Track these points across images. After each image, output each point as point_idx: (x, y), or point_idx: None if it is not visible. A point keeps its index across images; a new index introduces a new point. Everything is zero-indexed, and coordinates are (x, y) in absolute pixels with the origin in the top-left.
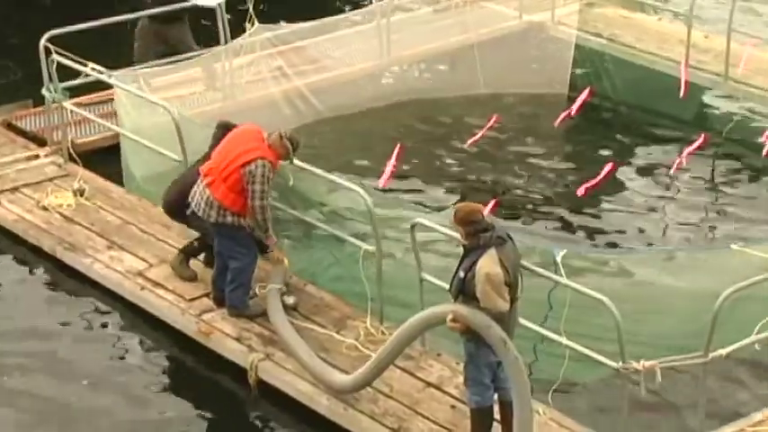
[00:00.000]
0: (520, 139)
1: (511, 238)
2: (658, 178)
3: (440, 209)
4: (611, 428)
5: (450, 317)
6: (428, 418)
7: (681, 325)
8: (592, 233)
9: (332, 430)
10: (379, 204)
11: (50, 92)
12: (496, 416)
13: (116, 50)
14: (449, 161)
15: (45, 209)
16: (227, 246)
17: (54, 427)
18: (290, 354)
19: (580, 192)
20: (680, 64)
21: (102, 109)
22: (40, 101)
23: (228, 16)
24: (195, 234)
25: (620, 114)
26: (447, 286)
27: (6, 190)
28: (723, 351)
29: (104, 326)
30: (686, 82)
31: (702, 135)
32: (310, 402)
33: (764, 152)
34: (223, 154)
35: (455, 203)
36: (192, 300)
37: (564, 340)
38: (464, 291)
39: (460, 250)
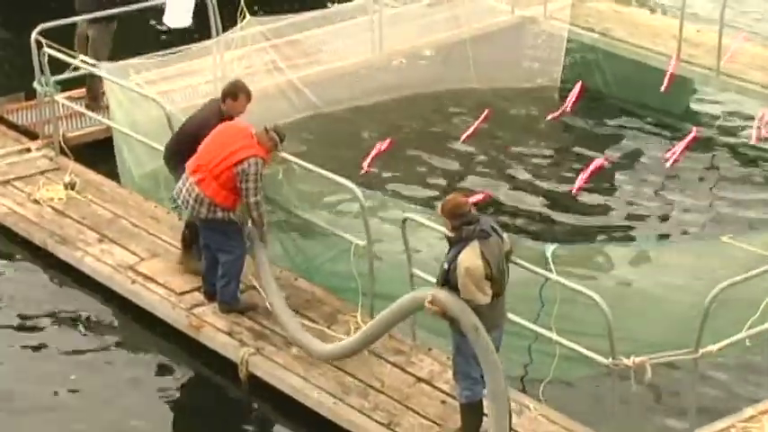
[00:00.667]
0: (511, 134)
1: (497, 232)
2: (650, 172)
3: (431, 204)
4: (602, 424)
5: (428, 299)
6: (419, 413)
7: (672, 320)
8: (582, 228)
9: (322, 425)
10: (371, 199)
11: (42, 85)
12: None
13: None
14: (441, 155)
15: (36, 202)
16: (217, 240)
17: (42, 420)
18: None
19: (573, 189)
20: (671, 58)
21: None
22: (31, 94)
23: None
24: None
25: (611, 108)
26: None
27: None
28: (714, 347)
29: (95, 320)
30: (672, 75)
31: (694, 129)
32: (301, 397)
33: (753, 138)
34: (212, 151)
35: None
36: (183, 294)
37: (554, 336)
38: (448, 282)
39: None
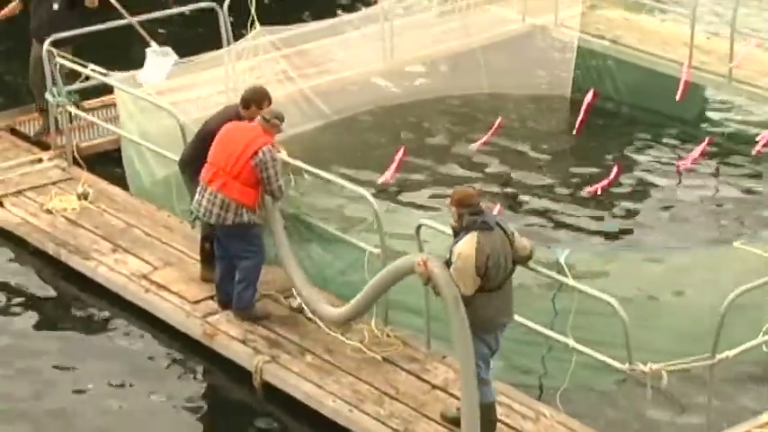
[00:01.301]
0: (523, 143)
1: (504, 229)
2: (662, 180)
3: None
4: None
5: (420, 260)
6: (434, 420)
7: (687, 327)
8: (596, 235)
9: None
10: (385, 207)
11: (54, 96)
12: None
13: (122, 54)
14: (453, 164)
15: (49, 212)
16: (238, 246)
17: (56, 428)
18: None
19: (586, 193)
20: (682, 65)
21: (106, 113)
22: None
23: (231, 19)
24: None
25: (623, 116)
26: None
27: (11, 194)
28: (730, 353)
29: (109, 329)
30: (686, 83)
31: (707, 138)
32: (315, 404)
33: (755, 149)
34: (224, 155)
35: None
36: (197, 302)
37: (570, 341)
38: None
39: None
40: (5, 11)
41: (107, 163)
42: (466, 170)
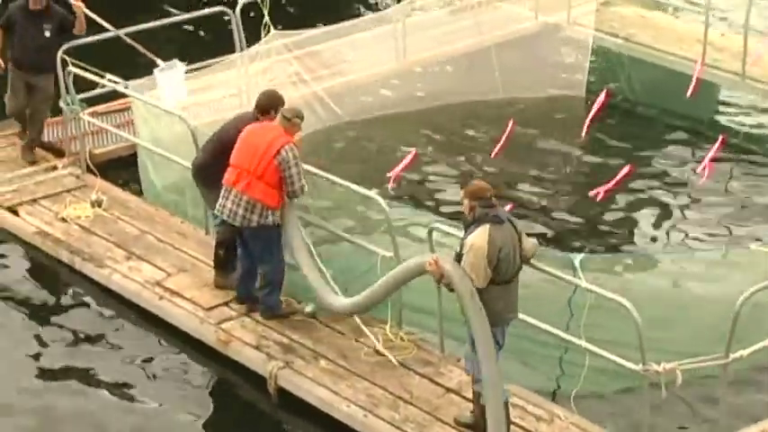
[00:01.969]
0: (537, 142)
1: (514, 225)
2: (676, 179)
3: (456, 215)
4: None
5: (432, 259)
6: (448, 424)
7: (703, 328)
8: (610, 237)
9: None
10: (396, 211)
11: (68, 104)
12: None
13: (133, 60)
14: (466, 166)
15: (63, 220)
16: (262, 248)
17: None
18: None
19: (598, 195)
20: (696, 63)
21: (119, 118)
22: (57, 111)
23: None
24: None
25: (637, 114)
26: None
27: (25, 202)
28: (744, 352)
29: (123, 335)
30: (698, 80)
31: (721, 137)
32: (330, 410)
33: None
34: (247, 156)
35: None
36: (211, 309)
37: (584, 343)
38: (460, 263)
39: None
40: None
41: (120, 169)
42: (479, 171)
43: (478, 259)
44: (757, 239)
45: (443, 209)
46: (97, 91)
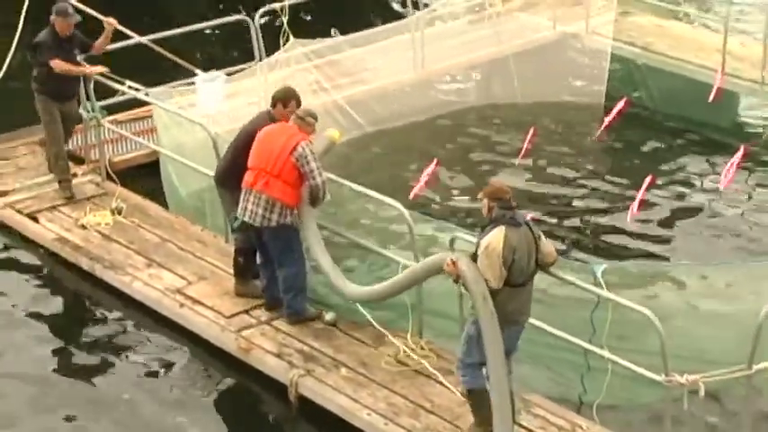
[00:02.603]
0: (558, 152)
1: (531, 229)
2: (698, 188)
3: (476, 223)
4: None
5: (450, 259)
6: None
7: (728, 341)
8: (632, 247)
9: None
10: (419, 219)
11: (88, 111)
12: None
13: (154, 68)
14: (488, 175)
15: (84, 227)
16: (281, 250)
17: None
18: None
19: (630, 218)
20: (716, 72)
21: (139, 126)
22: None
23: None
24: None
25: (657, 123)
26: None
27: (45, 209)
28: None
29: (144, 343)
30: (719, 90)
31: (743, 146)
32: (351, 418)
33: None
34: (263, 156)
35: None
36: (231, 316)
37: (606, 353)
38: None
39: None
40: None
41: (140, 176)
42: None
43: (493, 260)
44: None
45: (464, 216)
46: (118, 98)
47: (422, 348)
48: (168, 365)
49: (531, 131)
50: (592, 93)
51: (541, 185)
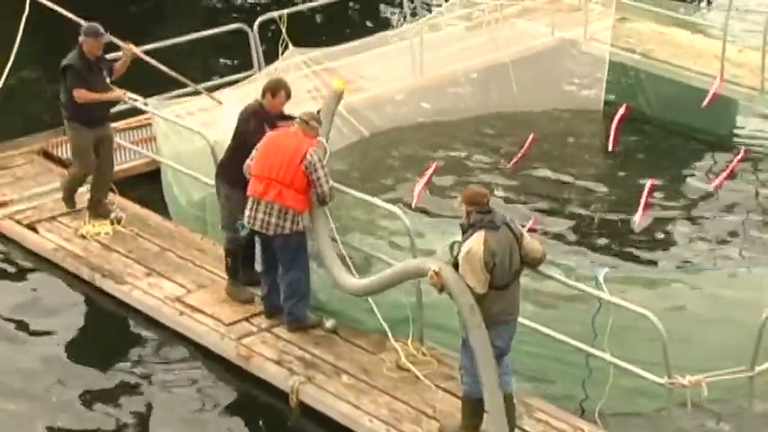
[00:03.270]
0: (556, 158)
1: (512, 229)
2: (697, 195)
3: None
4: None
5: (434, 269)
6: None
7: (730, 344)
8: (633, 251)
9: None
10: (418, 225)
11: None
12: None
13: (153, 77)
14: (487, 181)
15: (83, 237)
16: (291, 256)
17: None
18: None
19: (636, 222)
20: (715, 78)
21: (137, 135)
22: None
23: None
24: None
25: (655, 130)
26: None
27: (44, 219)
28: None
29: (144, 352)
30: (716, 95)
31: (741, 150)
32: (352, 425)
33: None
34: (272, 165)
35: None
36: (231, 324)
37: (608, 357)
38: (458, 269)
39: None
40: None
41: (139, 185)
42: (499, 186)
43: (474, 264)
44: None
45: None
46: (116, 108)
47: (423, 354)
48: (167, 374)
49: (531, 138)
50: (590, 99)
51: (540, 191)
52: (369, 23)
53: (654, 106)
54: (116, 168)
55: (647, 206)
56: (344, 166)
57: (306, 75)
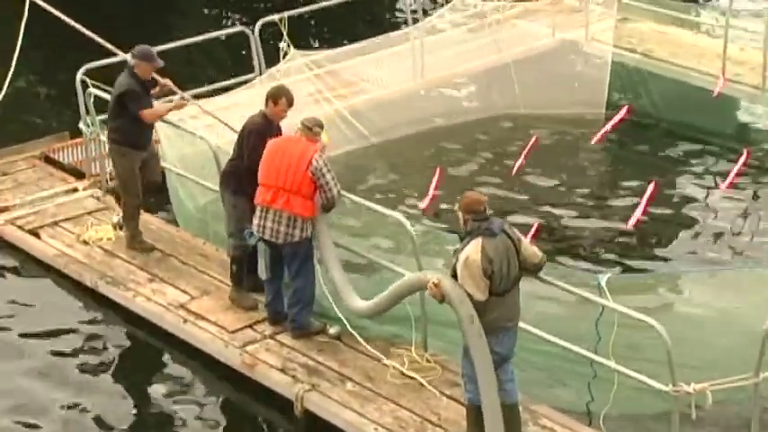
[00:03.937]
0: (560, 160)
1: (510, 236)
2: (702, 196)
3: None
4: None
5: (434, 281)
6: None
7: (734, 348)
8: (636, 256)
9: None
10: (422, 231)
11: (88, 126)
12: None
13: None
14: (490, 185)
15: (85, 243)
16: (298, 263)
17: None
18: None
19: (631, 223)
20: (717, 78)
21: None
22: (76, 131)
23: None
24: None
25: (658, 130)
26: None
27: (47, 225)
28: None
29: (147, 358)
30: (720, 95)
31: (745, 151)
32: None
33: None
34: (279, 172)
35: None
36: (235, 331)
37: (612, 364)
38: (456, 276)
39: None
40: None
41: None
42: (502, 190)
43: (473, 272)
44: None
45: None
46: None
47: (427, 361)
48: (171, 381)
49: (533, 140)
50: (593, 100)
51: (542, 194)
52: (370, 26)
53: (656, 106)
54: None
55: (646, 209)
56: (347, 170)
57: (308, 78)
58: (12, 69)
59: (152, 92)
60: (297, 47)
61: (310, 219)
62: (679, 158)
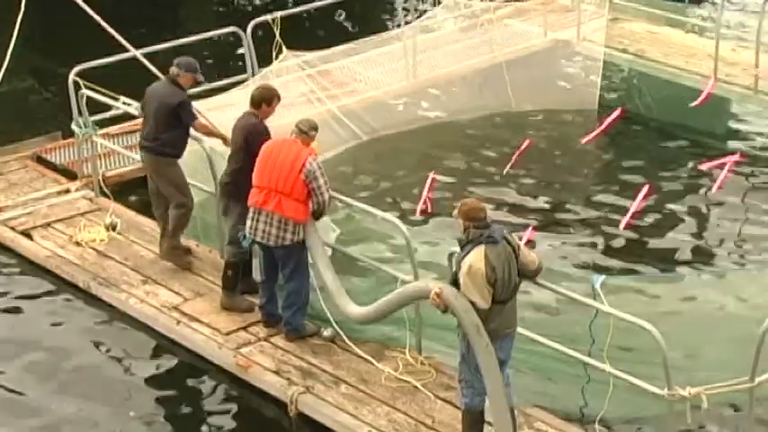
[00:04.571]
0: (552, 161)
1: (510, 242)
2: (694, 197)
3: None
4: None
5: (435, 290)
6: None
7: (731, 351)
8: (630, 257)
9: None
10: (417, 233)
11: (80, 126)
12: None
13: (145, 81)
14: (484, 186)
15: (78, 244)
16: (291, 267)
17: None
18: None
19: (623, 225)
20: (709, 78)
21: (132, 139)
22: (69, 132)
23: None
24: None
25: (651, 130)
26: None
27: (39, 226)
28: None
29: (140, 360)
30: (709, 95)
31: (737, 154)
32: None
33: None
34: (272, 175)
35: None
36: (229, 333)
37: (607, 367)
38: (456, 284)
39: None
40: None
41: (134, 191)
42: (496, 192)
43: (477, 280)
44: None
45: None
46: (110, 113)
47: (421, 364)
48: (165, 383)
49: (527, 143)
50: (584, 100)
51: (535, 195)
52: (362, 26)
53: (648, 106)
54: (110, 174)
55: (638, 211)
56: (340, 170)
57: (300, 78)
58: (3, 69)
59: None
60: (290, 47)
61: (302, 223)
62: (669, 159)
